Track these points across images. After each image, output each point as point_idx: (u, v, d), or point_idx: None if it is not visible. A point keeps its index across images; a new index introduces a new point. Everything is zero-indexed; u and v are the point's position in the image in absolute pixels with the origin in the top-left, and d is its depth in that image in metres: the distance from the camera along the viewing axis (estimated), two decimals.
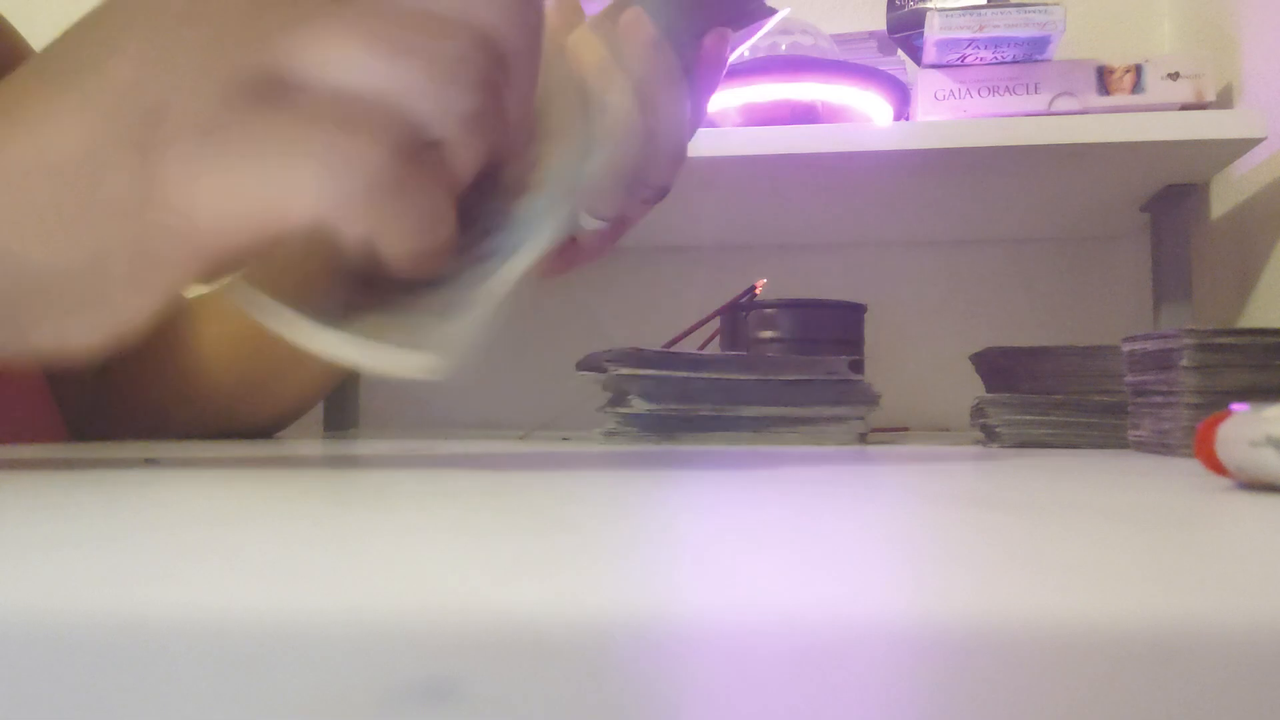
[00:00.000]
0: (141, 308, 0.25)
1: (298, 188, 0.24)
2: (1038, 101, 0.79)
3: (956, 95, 0.79)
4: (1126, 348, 0.46)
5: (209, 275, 0.26)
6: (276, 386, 0.55)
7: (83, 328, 0.25)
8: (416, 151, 0.25)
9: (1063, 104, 0.78)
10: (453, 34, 0.25)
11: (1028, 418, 0.51)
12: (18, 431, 0.50)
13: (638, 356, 0.51)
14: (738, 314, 0.73)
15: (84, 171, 0.24)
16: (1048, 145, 0.75)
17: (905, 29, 0.85)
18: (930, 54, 0.80)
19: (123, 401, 0.56)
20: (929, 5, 0.80)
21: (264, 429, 0.58)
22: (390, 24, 0.24)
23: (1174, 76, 0.78)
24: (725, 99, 0.82)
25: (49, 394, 0.55)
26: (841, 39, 0.92)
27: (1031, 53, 0.79)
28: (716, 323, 0.74)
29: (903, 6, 0.84)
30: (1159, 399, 0.42)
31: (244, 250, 0.25)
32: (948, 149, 0.76)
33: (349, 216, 0.24)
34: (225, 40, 0.24)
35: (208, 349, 0.54)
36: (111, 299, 0.25)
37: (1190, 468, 0.32)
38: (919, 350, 1.08)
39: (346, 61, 0.24)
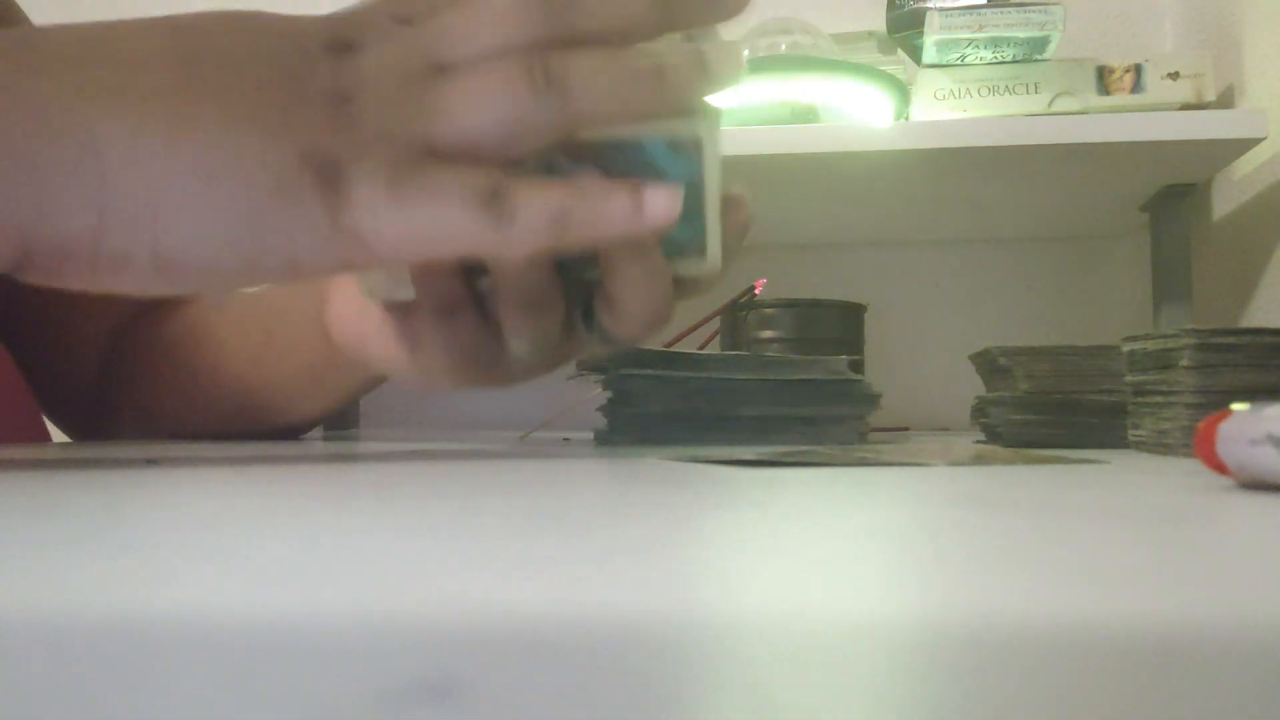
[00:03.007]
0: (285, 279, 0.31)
1: (468, 229, 0.29)
2: (1037, 101, 0.79)
3: (956, 95, 0.79)
4: (1126, 348, 0.46)
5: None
6: (304, 393, 0.54)
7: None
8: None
9: (1062, 104, 0.78)
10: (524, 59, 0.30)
11: (1028, 418, 0.51)
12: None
13: (638, 356, 0.51)
14: (738, 314, 0.73)
15: (276, 194, 0.28)
16: (1047, 145, 0.75)
17: (905, 29, 0.85)
18: (930, 54, 0.80)
19: (132, 399, 0.56)
20: (929, 5, 0.80)
21: (288, 432, 0.58)
22: (495, 76, 0.30)
23: (1174, 76, 0.78)
24: (725, 98, 0.81)
25: (28, 391, 0.55)
26: (841, 39, 0.92)
27: (1031, 52, 0.79)
28: (716, 323, 0.74)
29: (903, 6, 0.84)
30: (1159, 399, 0.42)
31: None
32: (948, 149, 0.76)
33: (497, 242, 0.30)
34: (390, 110, 0.30)
35: (232, 349, 0.54)
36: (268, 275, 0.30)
37: (1190, 468, 0.32)
38: (919, 350, 1.08)
39: (478, 125, 0.30)
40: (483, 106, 0.30)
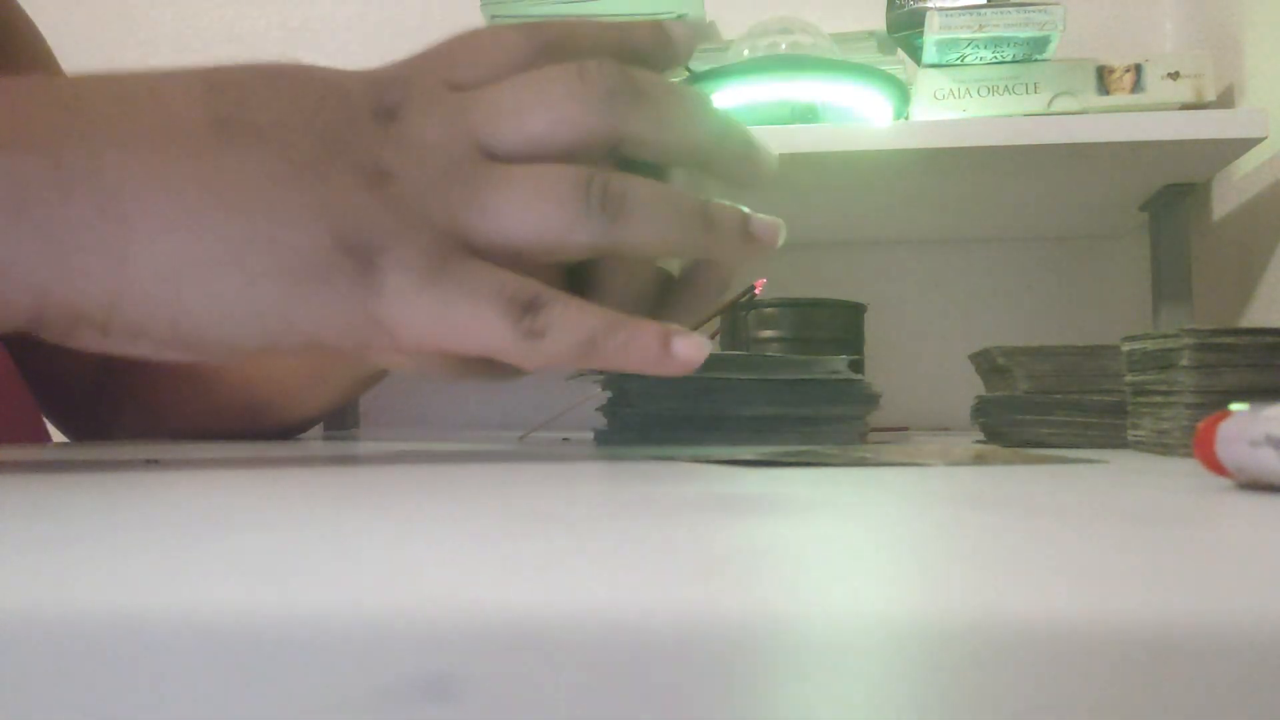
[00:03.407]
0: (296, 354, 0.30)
1: (496, 334, 0.29)
2: (1037, 101, 0.79)
3: (956, 95, 0.79)
4: (1126, 347, 0.46)
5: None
6: (306, 391, 0.54)
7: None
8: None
9: (1062, 104, 0.78)
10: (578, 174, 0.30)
11: (1028, 418, 0.51)
12: None
13: None
14: (738, 314, 0.73)
15: (303, 270, 0.28)
16: (1047, 145, 0.75)
17: (905, 28, 0.85)
18: (930, 54, 0.80)
19: (135, 399, 0.56)
20: (929, 5, 0.80)
21: (288, 430, 0.58)
22: (542, 186, 0.30)
23: (1174, 76, 0.78)
24: (725, 99, 0.82)
25: (26, 390, 0.55)
26: (841, 39, 0.92)
27: (1031, 52, 0.79)
28: (716, 322, 0.74)
29: (903, 6, 0.84)
30: (1159, 399, 0.42)
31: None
32: (948, 149, 0.76)
33: (521, 358, 0.30)
34: (431, 196, 0.29)
35: None
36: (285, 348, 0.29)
37: (1190, 468, 0.32)
38: (919, 350, 1.08)
39: (522, 231, 0.30)
40: (531, 214, 0.29)
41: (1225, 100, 0.89)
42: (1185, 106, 0.78)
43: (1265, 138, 0.73)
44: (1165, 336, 0.42)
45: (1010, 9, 0.77)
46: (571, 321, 0.30)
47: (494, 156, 0.30)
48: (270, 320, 0.28)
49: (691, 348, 0.31)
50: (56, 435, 0.61)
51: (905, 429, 0.88)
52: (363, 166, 0.28)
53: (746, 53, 0.87)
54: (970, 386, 0.61)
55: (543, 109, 0.30)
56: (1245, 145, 0.75)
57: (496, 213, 0.29)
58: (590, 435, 0.61)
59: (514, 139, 0.30)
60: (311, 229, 0.27)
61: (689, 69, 0.89)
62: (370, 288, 0.28)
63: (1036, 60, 0.80)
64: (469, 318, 0.29)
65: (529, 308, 0.29)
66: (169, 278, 0.27)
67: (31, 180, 0.25)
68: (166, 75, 0.28)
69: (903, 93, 0.83)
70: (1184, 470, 0.31)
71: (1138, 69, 0.78)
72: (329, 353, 0.30)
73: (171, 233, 0.26)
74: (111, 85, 0.28)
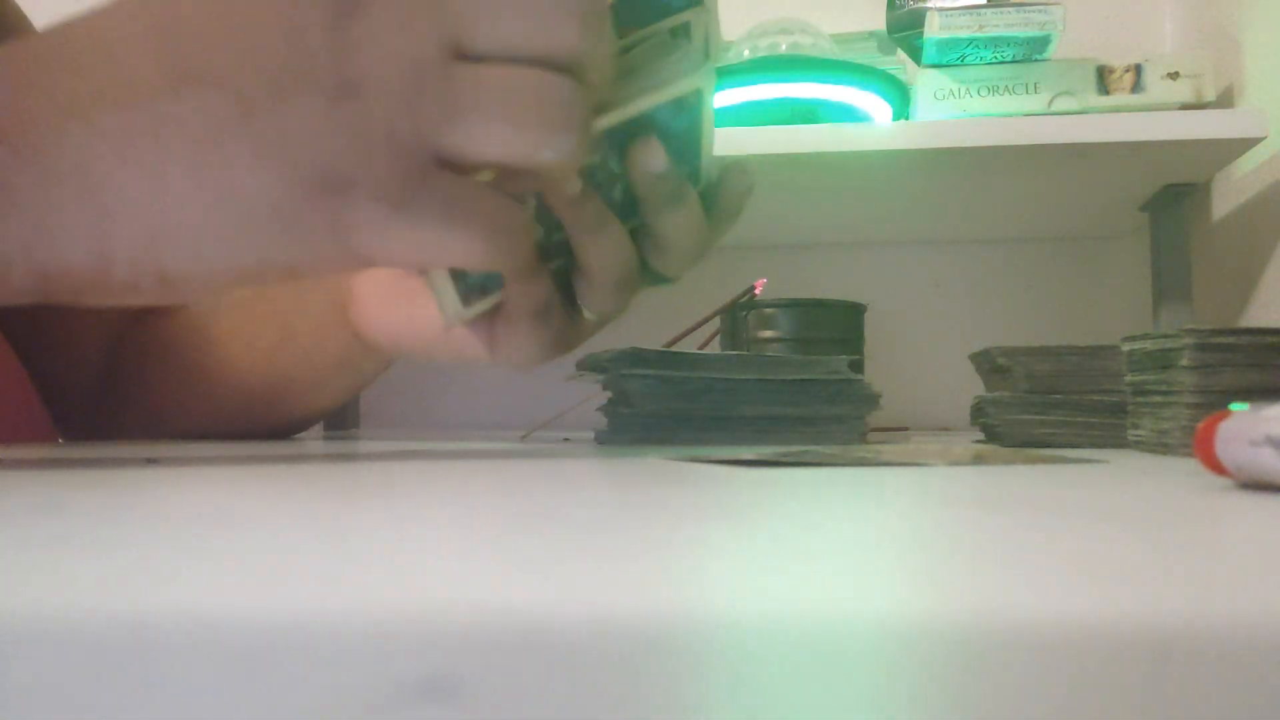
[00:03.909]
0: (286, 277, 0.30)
1: (470, 245, 0.29)
2: (1037, 101, 0.79)
3: (956, 95, 0.79)
4: (1126, 347, 0.46)
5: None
6: (306, 391, 0.54)
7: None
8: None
9: (1062, 104, 0.78)
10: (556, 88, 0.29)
11: (1028, 418, 0.51)
12: (1, 429, 0.50)
13: (638, 356, 0.51)
14: (738, 314, 0.73)
15: (273, 215, 0.28)
16: (1047, 145, 0.75)
17: (905, 29, 0.85)
18: (930, 54, 0.80)
19: (138, 399, 0.56)
20: (929, 5, 0.80)
21: (286, 431, 0.58)
22: (516, 97, 0.28)
23: (1174, 76, 0.78)
24: (725, 99, 0.82)
25: (33, 390, 0.55)
26: (841, 39, 0.92)
27: (1031, 52, 0.79)
28: (716, 323, 0.74)
29: (903, 6, 0.84)
30: (1159, 399, 0.42)
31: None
32: (948, 149, 0.76)
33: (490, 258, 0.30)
34: (399, 109, 0.27)
35: (235, 349, 0.54)
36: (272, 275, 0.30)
37: (1190, 468, 0.32)
38: (919, 350, 1.08)
39: (494, 139, 0.28)
40: (505, 125, 0.28)
41: (1225, 100, 0.88)
42: (1185, 106, 0.78)
43: (1265, 137, 0.73)
44: (1165, 336, 0.42)
45: (1010, 9, 0.77)
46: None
47: (464, 56, 0.28)
48: (246, 257, 0.29)
49: None
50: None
51: (905, 429, 0.88)
52: (322, 86, 0.27)
53: (746, 53, 0.87)
54: (970, 386, 0.61)
55: (525, 6, 0.28)
56: (1245, 145, 0.75)
57: (466, 123, 0.28)
58: (591, 435, 0.61)
59: (489, 39, 0.28)
60: (273, 172, 0.27)
61: None
62: (342, 220, 0.28)
63: (1036, 60, 0.80)
64: (446, 240, 0.29)
65: (508, 230, 0.29)
66: (148, 242, 0.28)
67: (3, 168, 0.27)
68: (116, 25, 0.28)
69: (903, 93, 0.83)
70: (1184, 470, 0.31)
71: (1138, 69, 0.78)
72: (312, 278, 0.32)
73: (143, 199, 0.27)
74: (63, 49, 0.28)
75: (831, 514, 0.18)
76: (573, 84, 0.28)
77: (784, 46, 0.86)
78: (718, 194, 0.38)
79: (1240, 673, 0.08)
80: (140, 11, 0.28)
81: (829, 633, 0.09)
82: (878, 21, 0.90)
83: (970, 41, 0.78)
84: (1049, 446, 0.49)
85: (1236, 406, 0.24)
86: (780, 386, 0.53)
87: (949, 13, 0.78)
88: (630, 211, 0.36)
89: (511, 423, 1.08)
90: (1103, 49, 1.03)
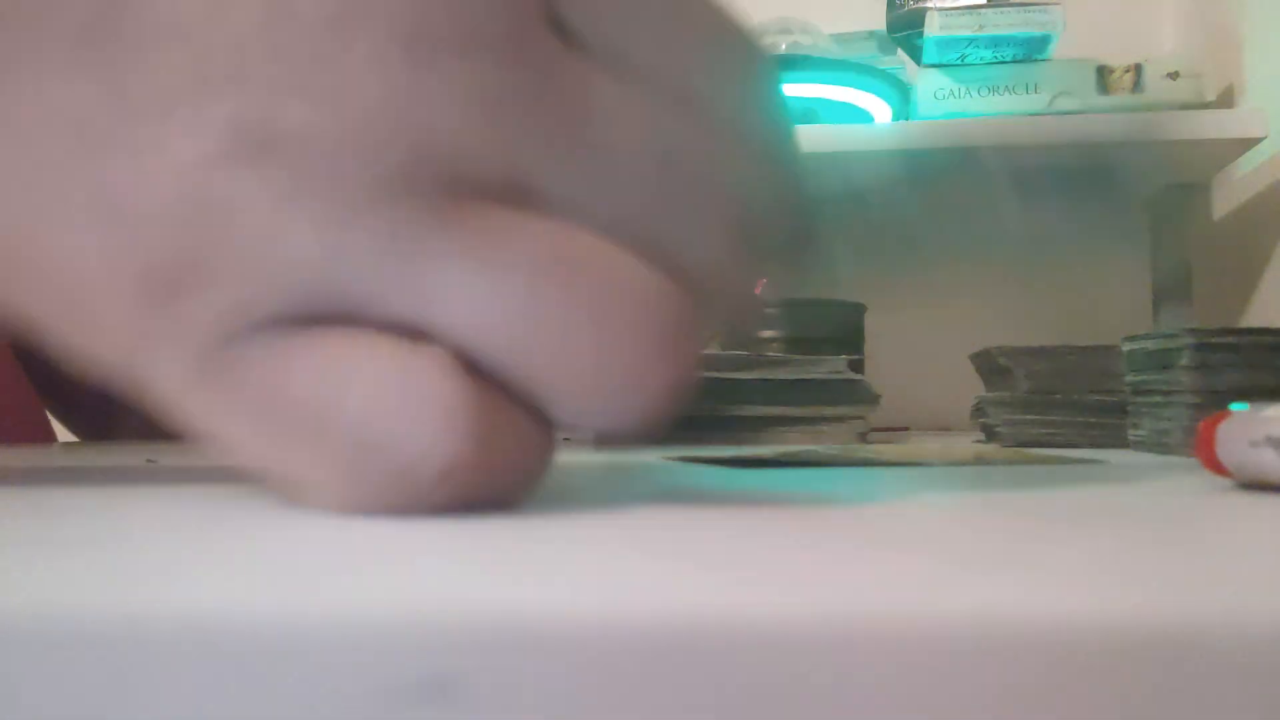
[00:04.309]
0: None
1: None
2: (1037, 101, 0.79)
3: (956, 95, 0.79)
4: (1126, 347, 0.46)
5: None
6: None
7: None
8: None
9: (1062, 104, 0.78)
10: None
11: (1028, 418, 0.51)
12: (1, 429, 0.50)
13: None
14: None
15: None
16: (1047, 145, 0.75)
17: (905, 28, 0.85)
18: (930, 53, 0.80)
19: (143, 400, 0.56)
20: (929, 5, 0.80)
21: None
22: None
23: (1174, 76, 0.78)
24: None
25: (33, 390, 0.54)
26: (841, 39, 0.92)
27: (1031, 52, 0.79)
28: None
29: (903, 6, 0.84)
30: (1159, 399, 0.42)
31: None
32: (948, 149, 0.76)
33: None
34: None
35: None
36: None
37: (1190, 468, 0.32)
38: (919, 350, 1.08)
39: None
40: None
41: (1225, 100, 0.89)
42: (1185, 106, 0.78)
43: (1265, 137, 0.73)
44: (1165, 336, 0.42)
45: (1010, 9, 0.78)
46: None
47: None
48: None
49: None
50: (63, 434, 0.61)
51: (905, 429, 0.88)
52: None
53: None
54: (970, 386, 0.61)
55: None
56: (1245, 145, 0.75)
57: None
58: (590, 435, 0.61)
59: None
60: None
61: None
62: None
63: (1036, 60, 0.80)
64: None
65: None
66: None
67: None
68: None
69: (903, 93, 0.83)
70: (1184, 470, 0.31)
71: (1138, 69, 0.78)
72: None
73: None
74: None
75: (832, 514, 0.18)
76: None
77: (784, 46, 0.86)
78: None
79: (1240, 673, 0.08)
80: None
81: (829, 633, 0.09)
82: (878, 21, 0.90)
83: (970, 41, 0.78)
84: (1049, 446, 0.49)
85: (1236, 406, 0.24)
86: (780, 386, 0.53)
87: (949, 12, 0.78)
88: None
89: None
90: (1103, 49, 1.03)
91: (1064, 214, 0.97)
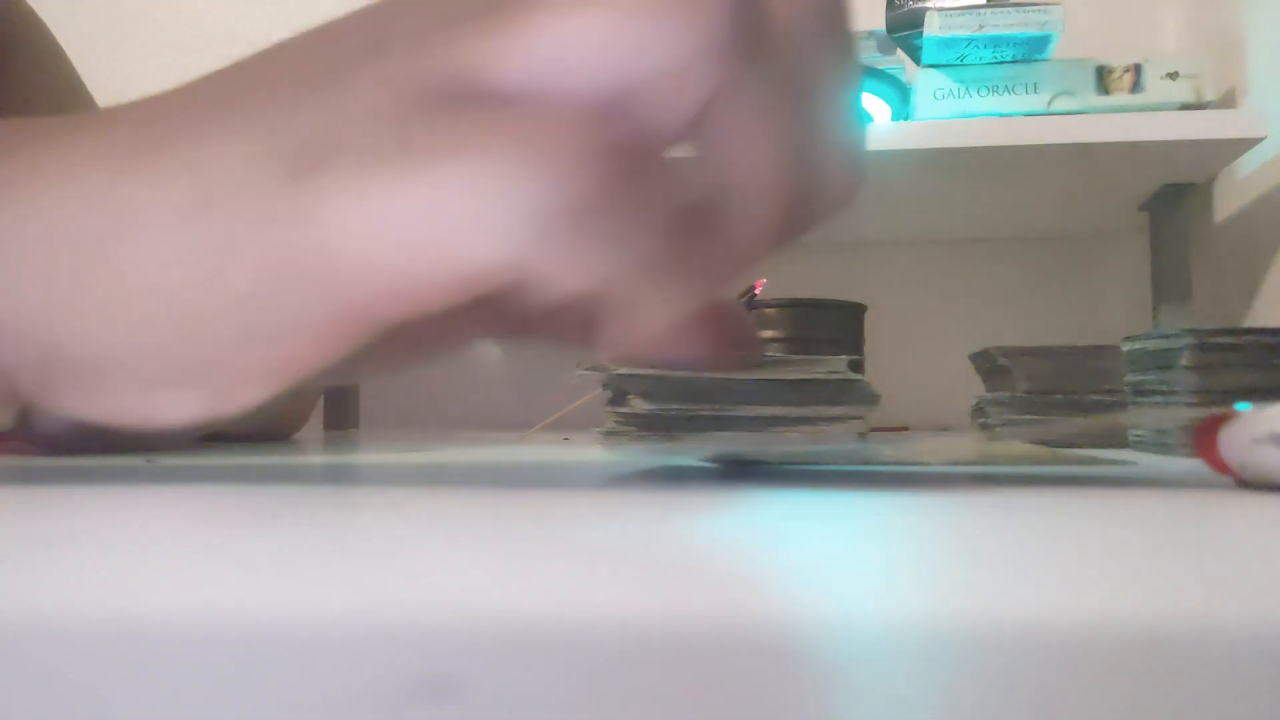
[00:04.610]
0: (252, 389, 0.20)
1: (492, 211, 0.17)
2: (1037, 101, 0.79)
3: (956, 95, 0.79)
4: (1126, 348, 0.46)
5: (342, 362, 0.20)
6: (304, 394, 0.54)
7: (174, 404, 0.20)
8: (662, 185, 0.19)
9: (1062, 104, 0.78)
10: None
11: (1028, 418, 0.51)
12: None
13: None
14: None
15: (218, 208, 0.18)
16: (1047, 145, 0.75)
17: (905, 28, 0.85)
18: (930, 53, 0.80)
19: None
20: (928, 5, 0.80)
21: (283, 434, 0.58)
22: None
23: (1174, 76, 0.78)
24: None
25: None
26: None
27: (1031, 52, 0.79)
28: None
29: (902, 6, 0.84)
30: (1159, 399, 0.42)
31: (397, 321, 0.19)
32: (948, 149, 0.76)
33: (556, 264, 0.17)
34: (409, 50, 0.18)
35: None
36: (218, 374, 0.20)
37: (1190, 468, 0.32)
38: (919, 350, 1.08)
39: (572, 56, 0.18)
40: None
41: (1226, 100, 0.89)
42: (1185, 106, 0.78)
43: (1265, 137, 0.73)
44: (1165, 336, 0.42)
45: (1010, 9, 0.78)
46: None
47: None
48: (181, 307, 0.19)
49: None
50: None
51: (905, 429, 0.88)
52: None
53: None
54: (970, 386, 0.61)
55: None
56: (1245, 145, 0.75)
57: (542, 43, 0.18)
58: (590, 435, 0.61)
59: None
60: None
61: None
62: (299, 204, 0.18)
63: (1036, 60, 0.80)
64: (451, 203, 0.17)
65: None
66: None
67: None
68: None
69: (903, 93, 0.83)
70: (1184, 470, 0.31)
71: (1137, 69, 0.78)
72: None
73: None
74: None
75: (831, 514, 0.18)
76: None
77: None
78: None
79: (1241, 673, 0.08)
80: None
81: (828, 633, 0.09)
82: (878, 21, 0.90)
83: (970, 41, 0.78)
84: (1049, 446, 0.49)
85: (1240, 406, 0.24)
86: (780, 386, 0.53)
87: (949, 12, 0.78)
88: None
89: (511, 423, 1.08)
90: (1103, 49, 1.03)
91: (1063, 213, 0.97)
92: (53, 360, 0.19)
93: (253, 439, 0.55)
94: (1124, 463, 0.34)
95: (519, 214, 0.17)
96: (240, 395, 0.20)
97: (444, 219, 0.17)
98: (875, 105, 0.83)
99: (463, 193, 0.17)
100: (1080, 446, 0.49)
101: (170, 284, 0.19)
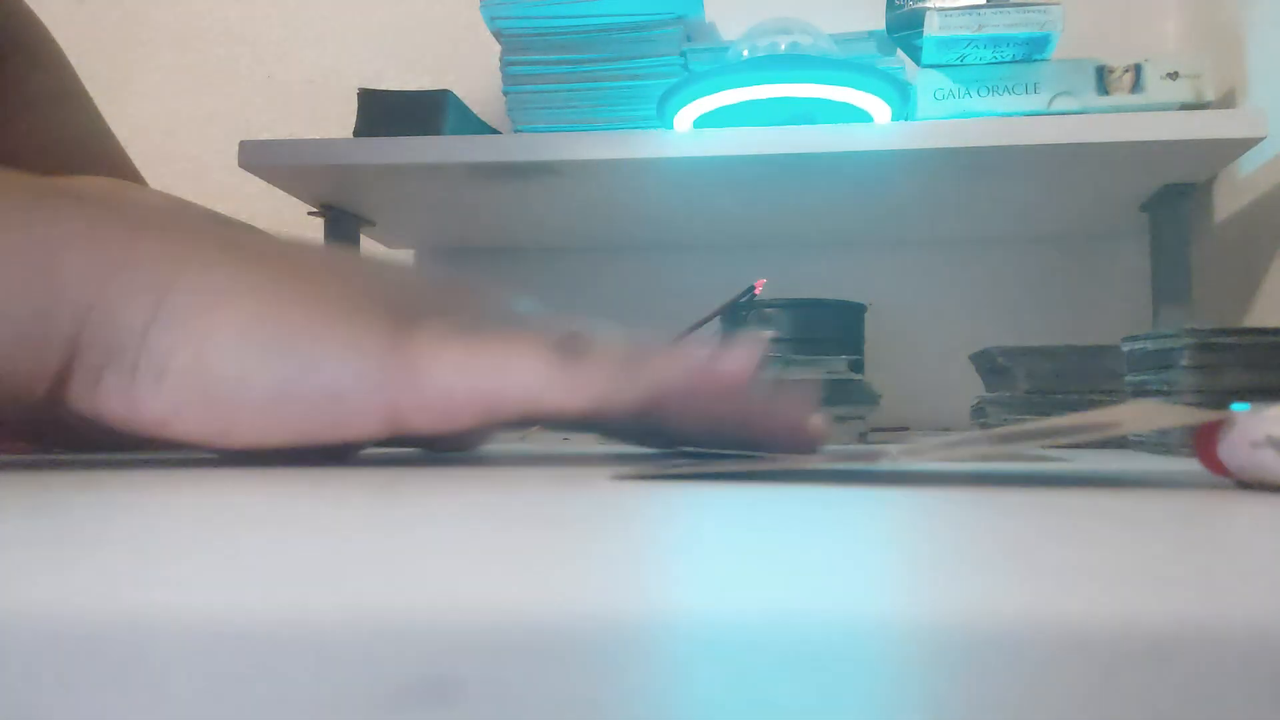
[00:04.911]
0: (344, 430, 0.32)
1: (520, 373, 0.30)
2: (1037, 101, 0.79)
3: (956, 95, 0.79)
4: (1126, 348, 0.46)
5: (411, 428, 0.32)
6: None
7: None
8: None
9: (1062, 104, 0.78)
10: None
11: (1028, 418, 0.51)
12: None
13: None
14: (738, 314, 0.73)
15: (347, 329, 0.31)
16: (1047, 145, 0.75)
17: (905, 28, 0.85)
18: (930, 53, 0.80)
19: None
20: (929, 5, 0.80)
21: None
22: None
23: (1174, 76, 0.78)
24: (725, 99, 0.82)
25: None
26: (841, 39, 0.92)
27: (1031, 52, 0.79)
28: (717, 323, 0.74)
29: (903, 6, 0.84)
30: (1159, 399, 0.42)
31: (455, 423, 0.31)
32: (948, 149, 0.76)
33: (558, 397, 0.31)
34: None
35: None
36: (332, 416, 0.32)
37: (1190, 468, 0.32)
38: (919, 350, 1.08)
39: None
40: None
41: (1225, 100, 0.89)
42: (1185, 107, 0.78)
43: (1265, 137, 0.73)
44: (1165, 336, 0.42)
45: (1010, 9, 0.77)
46: (613, 348, 0.31)
47: None
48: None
49: (741, 357, 0.32)
50: None
51: (905, 429, 0.88)
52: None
53: (746, 53, 0.86)
54: (970, 386, 0.61)
55: None
56: (1245, 145, 0.75)
57: None
58: (591, 435, 0.61)
59: None
60: None
61: (687, 68, 0.89)
62: (399, 340, 0.31)
63: (1036, 60, 0.80)
64: (501, 359, 0.30)
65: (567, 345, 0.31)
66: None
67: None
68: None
69: (903, 93, 0.83)
70: (1184, 470, 0.31)
71: (1137, 69, 0.78)
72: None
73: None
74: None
75: (831, 514, 0.18)
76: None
77: (783, 46, 0.86)
78: None
79: (1240, 673, 0.08)
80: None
81: (828, 633, 0.09)
82: (878, 21, 0.90)
83: (970, 41, 0.78)
84: (1049, 446, 0.49)
85: (1238, 407, 0.24)
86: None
87: (949, 13, 0.78)
88: None
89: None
90: (1103, 49, 1.03)
91: (1063, 213, 0.97)
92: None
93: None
94: (1062, 459, 0.35)
95: (535, 374, 0.31)
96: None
97: (493, 374, 0.31)
98: (875, 105, 0.83)
99: (507, 359, 0.31)
100: (1080, 446, 0.49)
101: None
